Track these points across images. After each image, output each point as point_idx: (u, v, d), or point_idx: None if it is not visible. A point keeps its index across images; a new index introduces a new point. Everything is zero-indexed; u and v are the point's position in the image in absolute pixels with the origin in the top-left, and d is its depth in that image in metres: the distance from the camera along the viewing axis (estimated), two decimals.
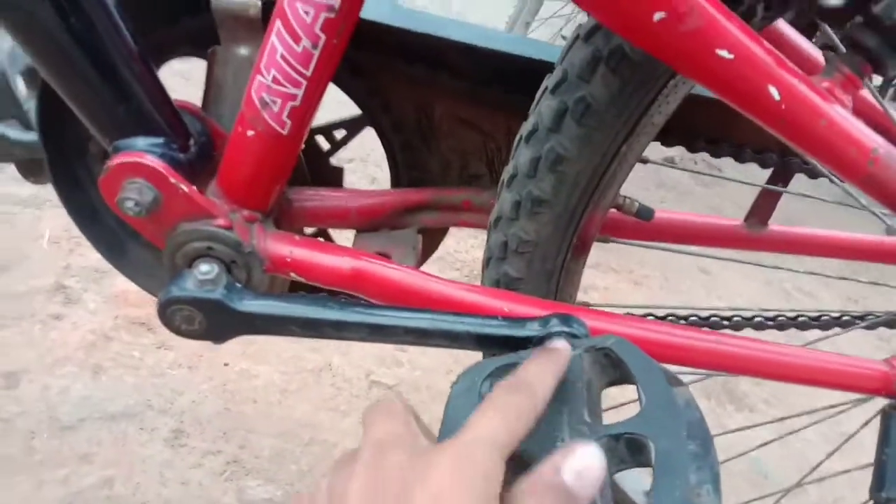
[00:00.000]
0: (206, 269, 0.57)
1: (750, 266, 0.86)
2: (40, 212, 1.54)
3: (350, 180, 1.97)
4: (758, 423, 0.93)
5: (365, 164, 2.08)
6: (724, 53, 0.43)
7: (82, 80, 0.55)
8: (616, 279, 1.90)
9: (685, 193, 2.53)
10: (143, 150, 0.57)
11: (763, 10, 0.49)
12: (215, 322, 0.57)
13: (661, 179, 2.54)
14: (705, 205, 2.47)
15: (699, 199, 2.51)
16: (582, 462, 0.33)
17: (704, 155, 0.72)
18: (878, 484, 0.66)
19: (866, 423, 0.80)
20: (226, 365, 1.28)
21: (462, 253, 1.79)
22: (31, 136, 0.66)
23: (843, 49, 0.49)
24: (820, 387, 0.67)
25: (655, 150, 0.74)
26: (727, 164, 0.71)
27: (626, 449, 0.39)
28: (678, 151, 0.74)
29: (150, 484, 1.05)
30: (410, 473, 0.32)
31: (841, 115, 0.46)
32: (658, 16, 0.43)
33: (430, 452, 0.34)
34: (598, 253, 1.92)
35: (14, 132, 0.66)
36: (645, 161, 0.71)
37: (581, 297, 1.72)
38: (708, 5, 0.43)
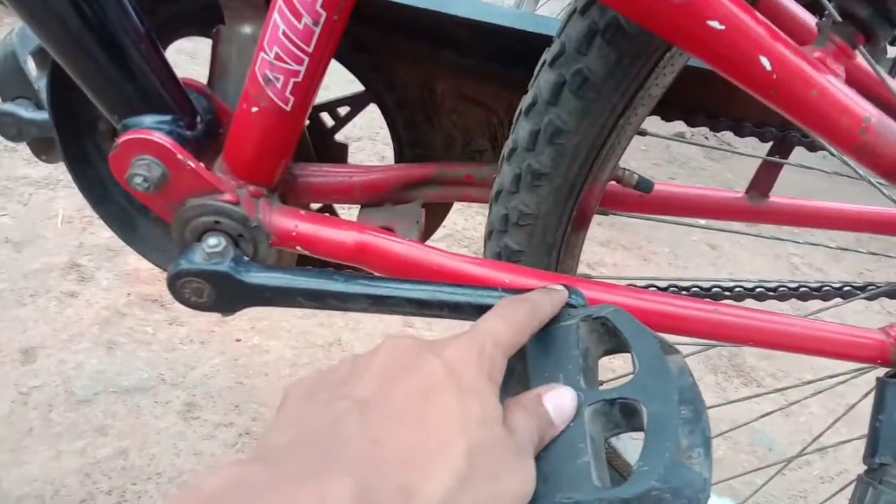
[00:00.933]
0: (213, 242, 0.58)
1: (759, 242, 0.86)
2: (54, 192, 1.56)
3: (359, 158, 1.99)
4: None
5: (374, 142, 2.09)
6: (715, 24, 0.44)
7: (91, 60, 0.56)
8: (625, 255, 1.90)
9: (697, 169, 2.51)
10: (151, 128, 0.58)
11: None
12: (223, 294, 0.58)
13: (672, 155, 2.53)
14: (717, 180, 2.45)
15: (711, 175, 2.49)
16: (559, 397, 0.39)
17: None
18: (871, 450, 0.67)
19: (866, 395, 0.81)
20: (237, 340, 1.30)
21: (470, 230, 1.80)
22: (43, 116, 0.67)
23: (838, 18, 0.49)
24: (817, 356, 0.67)
25: (666, 125, 0.74)
26: (738, 138, 0.71)
27: (620, 413, 0.40)
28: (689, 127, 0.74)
29: (164, 455, 1.08)
30: (427, 347, 0.38)
31: (833, 84, 0.47)
32: None
33: (441, 340, 0.39)
34: (608, 231, 1.93)
35: (26, 111, 0.68)
36: (650, 135, 0.71)
37: (590, 272, 1.73)
38: None
